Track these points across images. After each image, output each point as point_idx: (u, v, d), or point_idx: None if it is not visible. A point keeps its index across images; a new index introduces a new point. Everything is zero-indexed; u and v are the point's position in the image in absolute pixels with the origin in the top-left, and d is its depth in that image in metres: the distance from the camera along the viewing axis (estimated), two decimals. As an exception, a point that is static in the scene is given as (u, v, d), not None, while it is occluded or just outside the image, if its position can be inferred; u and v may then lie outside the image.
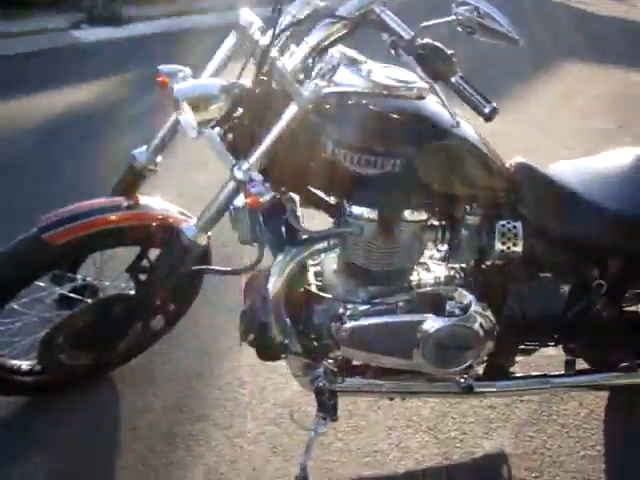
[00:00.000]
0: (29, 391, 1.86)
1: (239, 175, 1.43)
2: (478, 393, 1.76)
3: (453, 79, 1.34)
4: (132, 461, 1.70)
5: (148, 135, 1.69)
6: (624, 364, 1.85)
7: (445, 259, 1.70)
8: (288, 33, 1.47)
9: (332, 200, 1.60)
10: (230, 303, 2.01)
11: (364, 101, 1.44)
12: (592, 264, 1.70)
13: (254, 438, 1.79)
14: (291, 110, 1.39)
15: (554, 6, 8.08)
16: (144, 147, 1.67)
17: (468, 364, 1.68)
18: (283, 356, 1.69)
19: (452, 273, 1.68)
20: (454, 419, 1.89)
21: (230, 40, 1.59)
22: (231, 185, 1.46)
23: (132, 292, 1.66)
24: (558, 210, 1.65)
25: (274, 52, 1.44)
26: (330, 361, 1.68)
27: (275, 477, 1.69)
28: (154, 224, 1.60)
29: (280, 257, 1.57)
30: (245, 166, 1.43)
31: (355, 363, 1.73)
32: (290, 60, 1.43)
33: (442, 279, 1.67)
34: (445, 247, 1.68)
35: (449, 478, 1.71)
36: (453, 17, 1.32)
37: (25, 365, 1.81)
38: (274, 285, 1.57)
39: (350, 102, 1.44)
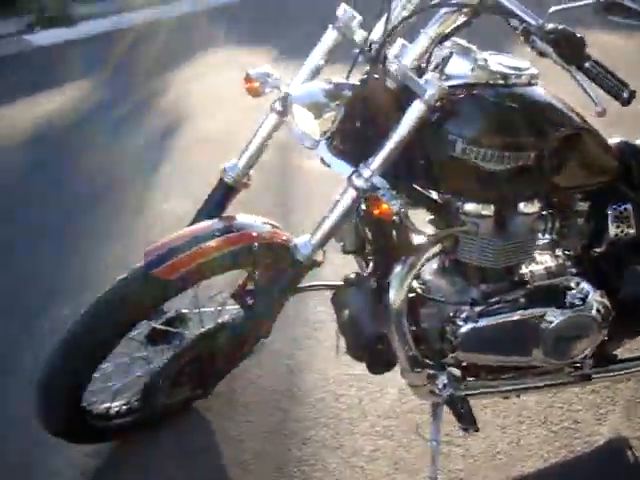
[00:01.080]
0: (119, 434, 1.73)
1: (360, 183, 1.34)
2: (595, 379, 1.72)
3: (587, 64, 1.27)
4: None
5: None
6: None
7: (553, 248, 1.65)
8: (400, 27, 1.38)
9: (440, 199, 1.52)
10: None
11: (488, 93, 1.36)
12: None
13: (370, 455, 1.70)
14: (416, 108, 1.29)
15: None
16: (234, 160, 1.55)
17: (585, 353, 1.64)
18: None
19: (564, 262, 1.63)
20: (561, 408, 1.84)
21: (329, 37, 1.48)
22: (351, 195, 1.36)
23: (238, 318, 1.55)
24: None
25: (388, 48, 1.35)
26: (452, 367, 1.61)
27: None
28: (259, 244, 1.48)
29: (399, 266, 1.48)
30: (367, 173, 1.33)
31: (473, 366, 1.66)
32: (408, 55, 1.34)
33: (555, 270, 1.61)
34: (553, 236, 1.63)
35: (579, 470, 1.67)
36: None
37: (115, 408, 1.68)
38: (396, 296, 1.48)
39: (475, 95, 1.36)
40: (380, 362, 1.62)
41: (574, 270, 1.61)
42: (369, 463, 1.68)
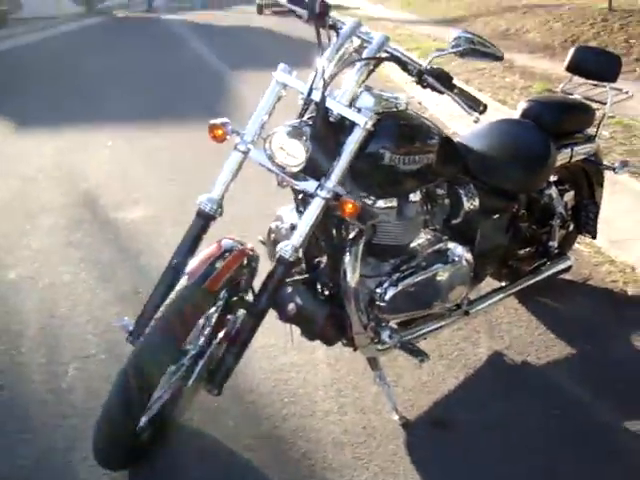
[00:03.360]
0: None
1: (325, 194, 1.81)
2: (472, 314, 2.39)
3: (455, 90, 1.91)
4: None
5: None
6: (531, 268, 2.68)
7: (427, 225, 2.27)
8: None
9: (359, 200, 2.05)
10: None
11: (395, 117, 1.94)
12: (515, 201, 2.44)
13: (339, 411, 2.15)
14: (357, 133, 1.82)
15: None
16: (207, 195, 1.90)
17: (465, 294, 2.31)
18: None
19: (438, 233, 2.27)
20: (448, 344, 2.49)
21: (273, 89, 1.92)
22: (319, 203, 1.83)
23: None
24: (490, 169, 2.34)
25: (326, 94, 1.85)
26: (392, 323, 2.15)
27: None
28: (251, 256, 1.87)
29: (348, 255, 1.98)
30: (330, 184, 1.82)
31: (402, 320, 2.21)
32: (344, 97, 1.85)
33: (433, 239, 2.24)
34: (427, 216, 2.25)
35: (478, 381, 2.31)
36: (455, 49, 1.89)
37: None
38: (352, 279, 1.97)
39: (388, 119, 1.92)
40: (332, 335, 2.10)
41: (445, 237, 2.26)
42: (343, 415, 2.13)
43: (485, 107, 1.91)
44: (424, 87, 1.92)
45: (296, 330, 2.09)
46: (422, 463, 1.94)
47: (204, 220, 1.91)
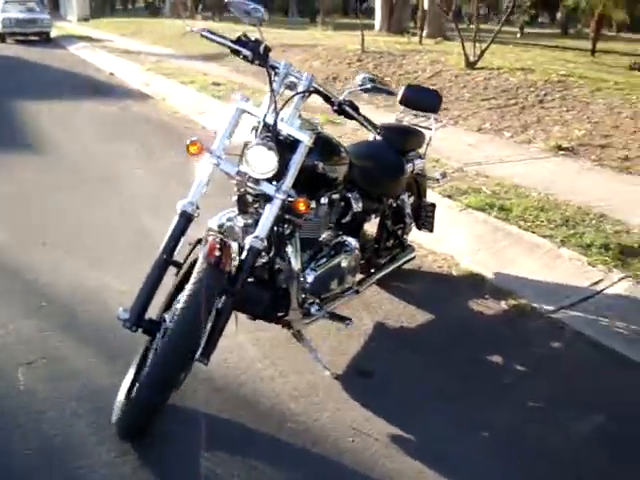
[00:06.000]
0: None
1: (281, 195, 2.34)
2: (361, 290, 3.03)
3: (361, 117, 2.55)
4: None
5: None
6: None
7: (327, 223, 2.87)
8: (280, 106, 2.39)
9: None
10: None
11: (323, 136, 2.53)
12: (382, 204, 3.15)
13: (282, 372, 2.63)
14: (302, 148, 2.38)
15: None
16: (186, 200, 2.29)
17: (355, 276, 2.96)
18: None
19: (336, 229, 2.89)
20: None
21: (235, 113, 2.38)
22: (278, 203, 2.34)
23: None
24: (368, 179, 3.02)
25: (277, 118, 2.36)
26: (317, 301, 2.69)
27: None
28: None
29: (290, 246, 2.50)
30: (285, 187, 2.34)
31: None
32: (290, 120, 2.38)
33: (333, 234, 2.86)
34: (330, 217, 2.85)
35: (369, 345, 2.95)
36: (362, 87, 2.52)
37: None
38: (296, 265, 2.52)
39: (323, 138, 2.50)
40: (272, 314, 2.60)
41: (341, 232, 2.89)
42: (285, 377, 2.62)
43: (382, 130, 2.59)
44: (339, 114, 2.53)
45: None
46: (360, 399, 2.52)
47: (186, 220, 2.30)
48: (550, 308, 3.31)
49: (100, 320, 3.02)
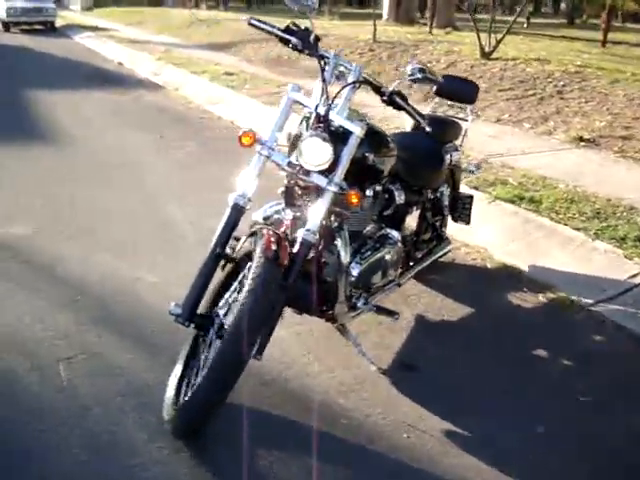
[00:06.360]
0: None
1: (334, 187, 2.29)
2: (403, 284, 2.99)
3: (410, 107, 2.50)
4: None
5: None
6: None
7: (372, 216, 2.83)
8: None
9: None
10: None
11: (376, 130, 2.49)
12: (423, 196, 3.11)
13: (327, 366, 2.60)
14: (354, 139, 2.32)
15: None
16: (238, 192, 2.24)
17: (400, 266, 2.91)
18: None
19: (379, 221, 2.84)
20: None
21: (287, 103, 2.33)
22: (330, 196, 2.29)
23: None
24: (409, 170, 2.97)
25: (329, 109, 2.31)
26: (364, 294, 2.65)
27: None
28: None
29: (339, 239, 2.46)
30: (337, 179, 2.30)
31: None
32: (342, 112, 2.33)
33: (377, 226, 2.82)
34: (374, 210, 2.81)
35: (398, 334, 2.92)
36: (412, 77, 2.47)
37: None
38: (345, 258, 2.48)
39: (373, 129, 2.45)
40: (318, 308, 2.55)
41: (384, 224, 2.84)
42: (332, 372, 2.58)
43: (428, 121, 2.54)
44: (388, 104, 2.48)
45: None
46: (409, 394, 2.48)
47: (237, 213, 2.25)
48: (589, 301, 3.27)
49: (135, 312, 2.99)
